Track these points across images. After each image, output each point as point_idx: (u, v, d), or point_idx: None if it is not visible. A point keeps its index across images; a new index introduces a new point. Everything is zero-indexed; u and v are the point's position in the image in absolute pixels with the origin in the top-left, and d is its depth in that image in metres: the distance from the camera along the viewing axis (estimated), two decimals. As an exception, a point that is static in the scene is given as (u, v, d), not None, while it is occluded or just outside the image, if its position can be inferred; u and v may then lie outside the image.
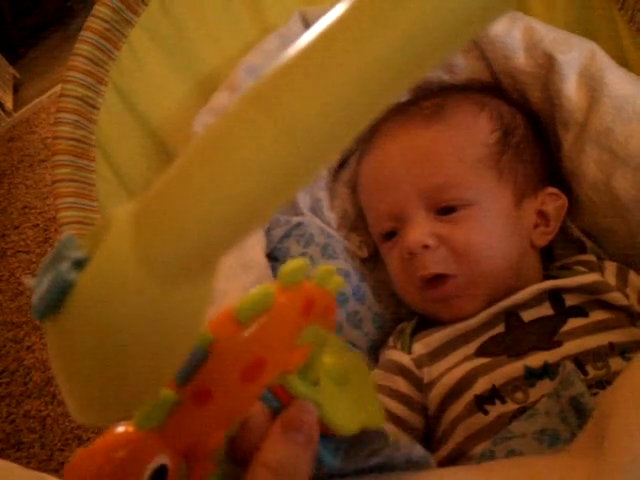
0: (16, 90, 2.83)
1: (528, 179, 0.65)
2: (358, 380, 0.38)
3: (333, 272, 0.37)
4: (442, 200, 0.62)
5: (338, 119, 0.22)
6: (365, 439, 0.40)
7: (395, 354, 0.65)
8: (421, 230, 0.62)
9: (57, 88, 2.57)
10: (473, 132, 0.65)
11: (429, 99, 0.70)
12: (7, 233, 1.89)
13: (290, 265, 0.34)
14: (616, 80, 0.62)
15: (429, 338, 0.63)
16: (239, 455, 0.32)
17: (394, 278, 0.68)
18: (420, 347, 0.63)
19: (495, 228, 0.62)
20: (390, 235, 0.67)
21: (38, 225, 1.84)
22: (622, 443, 0.33)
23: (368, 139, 0.72)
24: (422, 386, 0.61)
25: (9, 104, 2.62)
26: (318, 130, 0.22)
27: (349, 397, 0.36)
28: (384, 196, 0.67)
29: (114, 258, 0.24)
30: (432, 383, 0.60)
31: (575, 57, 0.64)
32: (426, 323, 0.66)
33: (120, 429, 0.29)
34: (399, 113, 0.70)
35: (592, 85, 0.63)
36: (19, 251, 1.79)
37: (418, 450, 0.40)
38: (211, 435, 0.30)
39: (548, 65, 0.66)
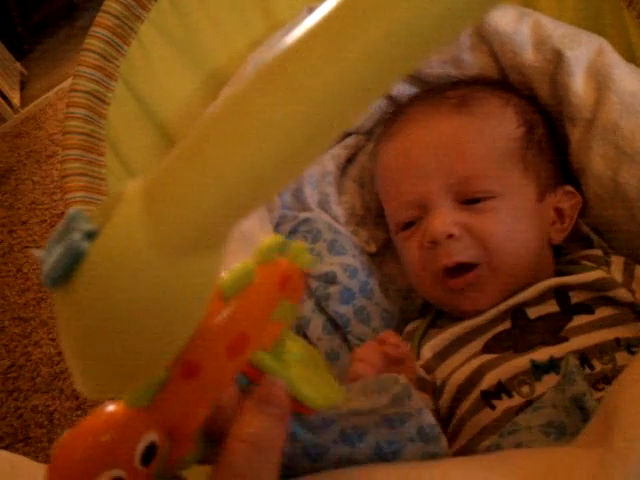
0: (23, 86, 2.83)
1: (549, 176, 0.66)
2: (314, 361, 0.39)
3: (305, 249, 0.38)
4: (469, 191, 0.62)
5: (350, 90, 0.22)
6: (377, 383, 0.41)
7: None
8: (446, 219, 0.61)
9: (64, 84, 2.58)
10: (501, 124, 0.65)
11: (454, 89, 0.69)
12: (14, 229, 1.90)
13: (267, 242, 0.35)
14: (624, 76, 0.63)
15: (434, 340, 0.63)
16: (212, 433, 0.33)
17: (410, 268, 0.67)
18: (427, 351, 0.63)
19: (518, 221, 0.62)
20: (409, 224, 0.66)
21: (45, 221, 1.85)
22: (631, 433, 0.33)
23: (387, 126, 0.72)
24: (435, 390, 0.61)
25: (16, 100, 2.62)
26: (332, 101, 0.22)
27: (312, 374, 0.37)
28: (409, 184, 0.65)
29: (125, 230, 0.24)
30: (442, 385, 0.60)
31: (583, 53, 0.64)
32: (435, 324, 0.66)
33: (108, 408, 0.30)
34: (422, 101, 0.70)
35: (600, 81, 0.63)
36: (26, 247, 1.80)
37: (428, 416, 0.41)
38: (196, 411, 0.31)
39: (556, 61, 0.66)
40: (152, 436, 0.29)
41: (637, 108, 0.61)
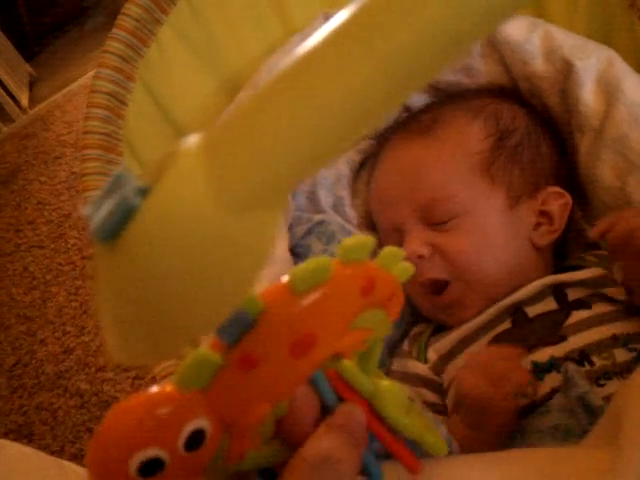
0: (31, 87, 2.85)
1: (525, 181, 0.66)
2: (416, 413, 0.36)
3: (401, 256, 0.35)
4: (434, 214, 0.65)
5: (429, 49, 0.22)
6: None
7: (411, 365, 0.66)
8: (416, 241, 0.65)
9: (73, 86, 2.60)
10: (464, 142, 0.67)
11: (427, 112, 0.72)
12: (21, 228, 1.91)
13: (352, 240, 0.32)
14: (633, 87, 0.64)
15: (439, 344, 0.65)
16: (287, 438, 0.32)
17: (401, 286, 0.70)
18: (432, 354, 0.65)
19: (486, 234, 0.64)
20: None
21: (52, 221, 1.86)
22: (638, 435, 0.34)
23: (374, 155, 0.76)
24: (442, 390, 0.63)
25: (25, 101, 2.64)
26: (410, 59, 0.22)
27: (407, 402, 0.35)
28: (385, 212, 0.71)
29: (184, 183, 0.23)
30: (449, 385, 0.62)
31: (593, 64, 0.66)
32: (440, 327, 0.67)
33: (159, 388, 0.28)
34: (401, 127, 0.73)
35: (609, 91, 0.64)
36: (33, 246, 1.81)
37: (443, 431, 0.41)
38: (255, 406, 0.29)
39: (566, 71, 0.67)
40: (201, 422, 0.28)
41: None
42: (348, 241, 0.32)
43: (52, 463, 0.69)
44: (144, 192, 0.23)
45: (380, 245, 0.74)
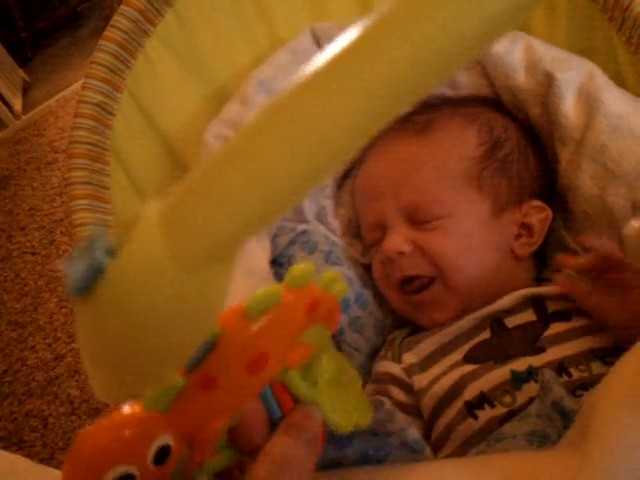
0: (25, 93, 2.85)
1: (511, 192, 0.67)
2: (347, 381, 0.41)
3: (338, 278, 0.40)
4: (418, 214, 0.66)
5: (362, 118, 0.25)
6: None
7: (385, 365, 0.67)
8: (397, 238, 0.66)
9: (66, 92, 2.60)
10: (457, 147, 0.68)
11: (422, 113, 0.72)
12: (13, 234, 1.91)
13: (298, 269, 0.37)
14: (613, 99, 0.65)
15: (418, 347, 0.65)
16: (237, 444, 0.35)
17: (377, 282, 0.71)
18: (410, 356, 0.65)
19: (467, 237, 0.65)
20: (376, 243, 0.70)
21: (44, 227, 1.86)
22: (601, 436, 0.35)
23: (363, 150, 0.75)
24: (413, 392, 0.63)
25: (18, 107, 2.64)
26: (339, 132, 0.25)
27: (343, 398, 0.39)
28: (370, 208, 0.71)
29: (143, 247, 0.26)
30: (422, 391, 0.62)
31: (573, 76, 0.67)
32: (417, 331, 0.68)
33: (127, 409, 0.32)
34: (394, 127, 0.73)
35: (589, 103, 0.65)
36: (25, 252, 1.81)
37: (412, 433, 0.43)
38: (213, 421, 0.32)
39: (547, 83, 0.68)
40: (167, 438, 0.31)
41: (625, 130, 0.63)
42: (295, 271, 0.37)
43: (36, 469, 0.69)
44: (113, 253, 0.27)
45: (362, 238, 0.75)
